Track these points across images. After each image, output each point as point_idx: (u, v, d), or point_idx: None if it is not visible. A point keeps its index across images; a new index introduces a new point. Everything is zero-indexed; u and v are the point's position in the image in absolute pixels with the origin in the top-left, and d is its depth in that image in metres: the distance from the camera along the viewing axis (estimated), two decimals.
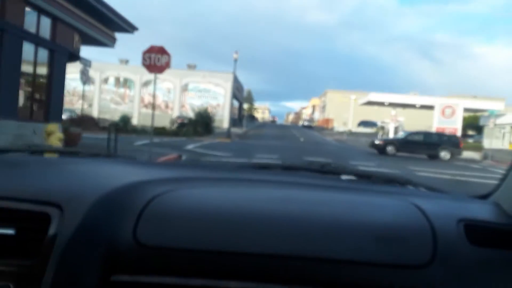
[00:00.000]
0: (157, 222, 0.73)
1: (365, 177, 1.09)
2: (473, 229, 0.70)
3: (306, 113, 78.48)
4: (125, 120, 19.34)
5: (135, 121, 30.46)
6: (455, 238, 0.69)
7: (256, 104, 75.50)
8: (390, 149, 16.43)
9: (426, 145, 16.76)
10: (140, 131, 18.50)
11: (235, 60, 19.20)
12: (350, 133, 31.08)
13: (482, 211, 0.79)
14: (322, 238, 0.69)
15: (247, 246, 0.70)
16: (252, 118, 52.36)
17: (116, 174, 0.89)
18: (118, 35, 12.01)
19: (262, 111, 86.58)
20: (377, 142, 17.12)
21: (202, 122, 22.03)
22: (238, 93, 37.12)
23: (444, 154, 16.35)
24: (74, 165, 0.97)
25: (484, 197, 0.89)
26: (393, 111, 27.44)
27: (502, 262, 0.66)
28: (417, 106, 27.69)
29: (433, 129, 20.66)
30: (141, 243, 0.69)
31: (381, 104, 29.26)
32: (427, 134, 18.05)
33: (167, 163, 1.49)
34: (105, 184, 0.80)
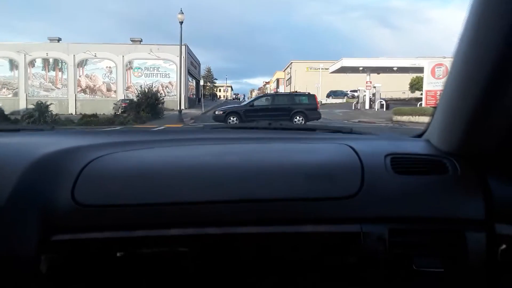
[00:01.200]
0: (95, 183, 0.82)
1: (310, 130, 1.23)
2: (399, 161, 0.84)
3: (270, 88, 75.88)
4: (41, 108, 14.94)
5: (71, 109, 26.25)
6: (381, 170, 0.83)
7: (218, 83, 72.25)
8: (232, 120, 14.58)
9: (276, 110, 14.82)
10: (64, 122, 14.66)
11: (181, 23, 15.77)
12: (321, 105, 28.53)
13: (410, 147, 0.94)
14: (257, 181, 0.81)
15: (185, 195, 0.80)
16: (214, 97, 51.52)
17: (53, 142, 0.96)
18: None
19: (225, 90, 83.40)
20: (217, 113, 15.16)
21: (147, 105, 18.20)
22: (194, 69, 33.47)
23: (298, 120, 14.85)
24: (7, 137, 1.04)
25: (418, 136, 1.04)
26: (368, 77, 25.04)
27: (422, 186, 0.80)
28: (394, 69, 25.57)
29: (423, 93, 18.43)
30: (80, 203, 0.78)
31: (355, 70, 27.08)
32: (276, 97, 16.28)
33: (105, 131, 1.43)
34: (40, 150, 0.86)
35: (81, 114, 19.99)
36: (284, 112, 14.67)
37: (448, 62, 1.19)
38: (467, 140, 0.82)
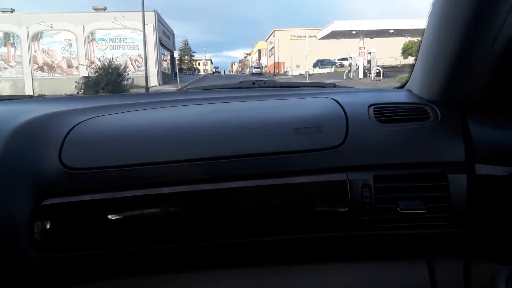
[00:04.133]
0: (82, 146, 0.87)
1: (294, 87, 1.27)
2: (382, 111, 0.91)
3: (252, 60, 74.61)
4: None
5: (28, 89, 24.46)
6: (365, 120, 0.89)
7: (197, 56, 70.64)
8: None
9: None
10: None
11: None
12: (309, 76, 27.58)
13: (393, 97, 1.02)
14: (246, 137, 0.87)
15: (174, 154, 0.85)
16: (194, 71, 51.00)
17: (34, 109, 0.98)
18: None
19: (204, 63, 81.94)
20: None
21: (108, 82, 16.47)
22: (167, 39, 31.50)
23: None
24: None
25: (400, 88, 1.12)
26: (361, 42, 23.96)
27: (405, 133, 0.87)
28: (391, 31, 24.59)
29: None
30: (69, 166, 0.83)
31: (347, 34, 25.92)
32: None
33: (86, 96, 1.50)
34: (22, 117, 0.90)
35: (40, 95, 18.29)
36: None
37: None
38: (447, 88, 0.89)
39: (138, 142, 0.89)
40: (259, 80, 1.35)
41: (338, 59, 33.95)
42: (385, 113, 0.91)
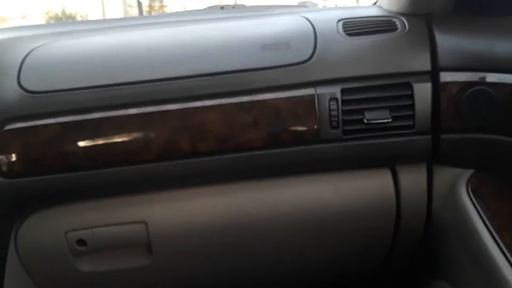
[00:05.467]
0: (42, 69, 0.87)
1: (265, 8, 1.28)
2: (350, 25, 0.92)
3: None
4: None
5: None
6: (333, 34, 0.91)
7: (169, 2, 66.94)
8: None
9: None
10: None
11: None
12: None
13: (362, 12, 1.03)
14: (212, 56, 0.88)
15: (140, 74, 0.85)
16: None
17: None
18: None
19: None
20: None
21: None
22: None
23: None
24: None
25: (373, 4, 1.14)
26: None
27: (372, 45, 0.89)
28: None
29: None
30: (29, 90, 0.83)
31: None
32: None
33: (48, 24, 1.35)
34: None
35: None
36: None
37: None
38: (414, 1, 0.91)
39: (102, 63, 0.88)
40: (227, 5, 1.33)
41: None
42: (353, 27, 0.93)
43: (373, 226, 0.98)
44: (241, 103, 0.85)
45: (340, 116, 0.85)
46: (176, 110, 0.84)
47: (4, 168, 0.82)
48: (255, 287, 1.18)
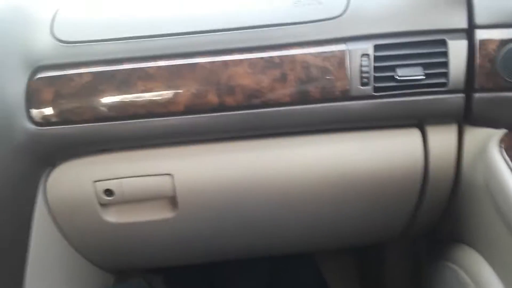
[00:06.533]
0: (73, 20, 0.90)
1: None
2: None
3: None
4: None
5: None
6: None
7: None
8: None
9: None
10: None
11: None
12: None
13: None
14: (244, 10, 0.90)
15: (169, 27, 0.87)
16: None
17: None
18: None
19: None
20: None
21: None
22: None
23: None
24: None
25: None
26: None
27: (406, 1, 0.88)
28: None
29: None
30: (62, 40, 0.86)
31: None
32: None
33: None
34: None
35: None
36: None
37: None
38: None
39: (133, 15, 0.91)
40: None
41: None
42: None
43: (398, 188, 0.97)
44: (271, 58, 0.85)
45: (372, 73, 0.85)
46: (205, 63, 0.85)
47: (35, 116, 0.84)
48: (270, 248, 1.21)
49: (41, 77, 0.84)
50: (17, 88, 0.84)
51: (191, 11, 0.92)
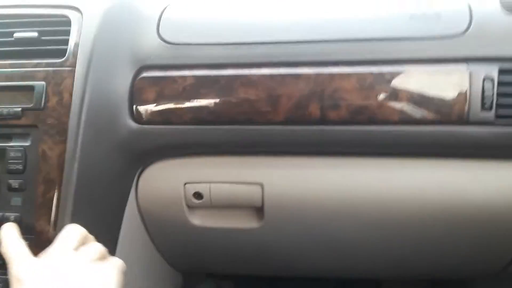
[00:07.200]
0: (179, 22, 0.90)
1: None
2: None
3: None
4: None
5: None
6: (492, 8, 0.83)
7: None
8: None
9: None
10: None
11: None
12: None
13: None
14: (355, 20, 0.86)
15: (276, 35, 0.85)
16: None
17: None
18: None
19: None
20: None
21: None
22: None
23: None
24: None
25: None
26: None
27: None
28: None
29: None
30: (167, 41, 0.86)
31: None
32: None
33: None
34: None
35: None
36: None
37: None
38: None
39: (238, 21, 0.90)
40: None
41: None
42: None
43: (509, 224, 0.89)
44: (382, 74, 0.80)
45: (495, 98, 0.78)
46: (310, 74, 0.82)
47: (137, 114, 0.86)
48: (348, 269, 1.16)
49: (146, 77, 0.86)
50: (123, 85, 0.86)
51: (300, 18, 0.88)
